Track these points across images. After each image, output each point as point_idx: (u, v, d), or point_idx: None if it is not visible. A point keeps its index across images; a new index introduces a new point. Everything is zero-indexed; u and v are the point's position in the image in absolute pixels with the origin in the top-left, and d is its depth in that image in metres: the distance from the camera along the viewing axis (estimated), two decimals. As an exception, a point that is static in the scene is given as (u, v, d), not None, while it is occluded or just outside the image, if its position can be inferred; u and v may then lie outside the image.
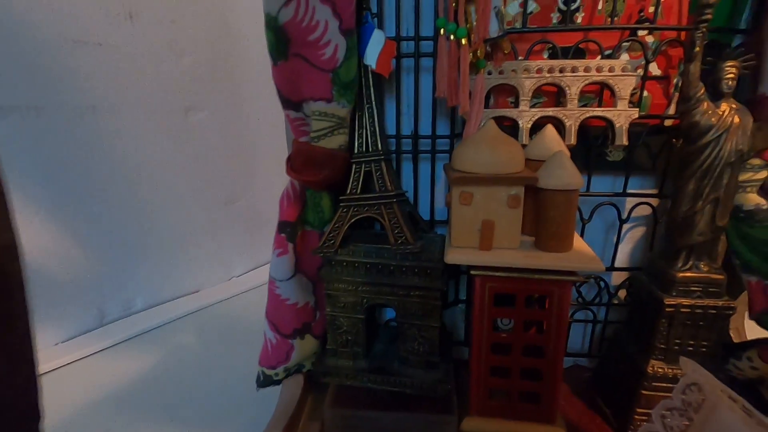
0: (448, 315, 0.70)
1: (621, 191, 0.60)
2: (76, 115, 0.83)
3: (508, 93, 0.57)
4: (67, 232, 0.85)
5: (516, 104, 0.56)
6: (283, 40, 0.46)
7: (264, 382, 0.57)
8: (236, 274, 1.18)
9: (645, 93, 0.56)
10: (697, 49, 0.46)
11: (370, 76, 0.53)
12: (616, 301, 0.66)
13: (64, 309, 0.86)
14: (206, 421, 0.68)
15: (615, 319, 0.66)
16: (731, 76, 0.47)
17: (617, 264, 0.64)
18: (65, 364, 0.81)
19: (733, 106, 0.48)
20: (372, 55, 0.52)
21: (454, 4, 0.50)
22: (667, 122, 0.56)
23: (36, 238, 0.81)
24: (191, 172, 1.04)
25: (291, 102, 0.50)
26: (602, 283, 0.64)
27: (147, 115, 0.92)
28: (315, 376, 0.58)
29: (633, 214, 0.62)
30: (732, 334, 0.62)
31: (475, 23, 0.50)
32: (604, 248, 0.65)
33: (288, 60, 0.47)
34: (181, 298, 1.05)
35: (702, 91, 0.47)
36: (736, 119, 0.47)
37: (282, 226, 0.54)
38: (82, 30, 0.82)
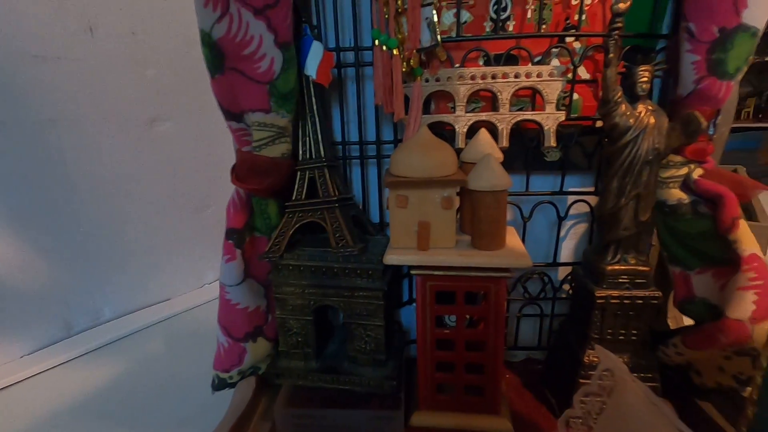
0: (404, 314, 0.72)
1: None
2: (37, 129, 0.84)
3: (448, 99, 0.59)
4: (31, 244, 0.86)
5: (455, 109, 0.58)
6: (218, 55, 0.48)
7: (219, 385, 0.59)
8: (208, 281, 1.18)
9: (576, 96, 0.58)
10: (611, 55, 0.49)
11: (312, 86, 0.55)
12: (564, 296, 0.68)
13: (29, 321, 0.87)
14: (171, 428, 0.69)
15: (561, 312, 0.69)
16: (645, 79, 0.50)
17: (563, 259, 0.67)
18: (31, 376, 0.81)
19: (649, 107, 0.50)
20: (312, 66, 0.54)
21: (386, 16, 0.52)
22: (599, 123, 0.59)
23: (-2, 252, 0.82)
24: (158, 181, 1.04)
25: (231, 113, 0.52)
26: (546, 278, 0.67)
27: (110, 128, 0.93)
28: (268, 378, 0.59)
29: (575, 212, 0.65)
30: (670, 323, 0.65)
31: (406, 34, 0.52)
32: (548, 245, 0.67)
33: (224, 74, 0.49)
34: (152, 307, 1.05)
35: (619, 94, 0.50)
36: (652, 120, 0.50)
37: (229, 233, 0.55)
38: (41, 44, 0.83)
